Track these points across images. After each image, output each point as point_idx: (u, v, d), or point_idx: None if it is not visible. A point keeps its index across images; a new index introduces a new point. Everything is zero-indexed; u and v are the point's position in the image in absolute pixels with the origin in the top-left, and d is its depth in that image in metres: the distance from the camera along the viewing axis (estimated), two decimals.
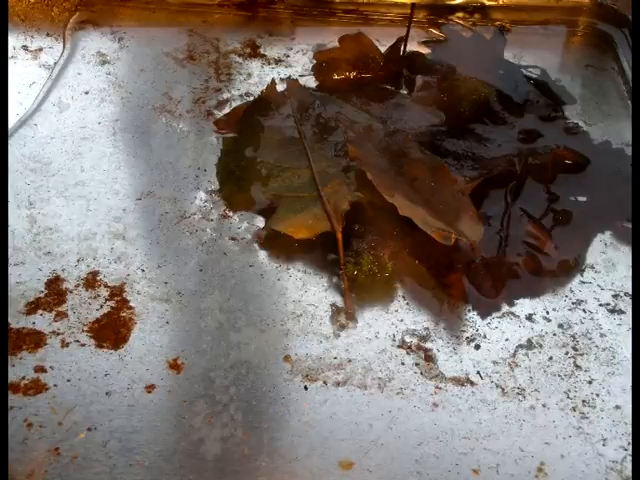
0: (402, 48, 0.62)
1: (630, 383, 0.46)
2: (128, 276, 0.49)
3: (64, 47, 0.65)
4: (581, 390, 0.45)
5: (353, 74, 0.63)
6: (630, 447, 0.43)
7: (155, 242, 0.52)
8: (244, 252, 0.51)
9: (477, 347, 0.47)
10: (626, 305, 0.50)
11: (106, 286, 0.49)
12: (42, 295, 0.48)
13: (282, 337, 0.47)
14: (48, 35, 0.68)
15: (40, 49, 0.66)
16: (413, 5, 0.61)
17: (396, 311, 0.49)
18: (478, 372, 0.46)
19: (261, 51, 0.68)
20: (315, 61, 0.65)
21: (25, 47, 0.67)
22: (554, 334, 0.48)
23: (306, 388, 0.44)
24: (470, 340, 0.47)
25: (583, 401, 0.45)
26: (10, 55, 0.65)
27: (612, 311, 0.50)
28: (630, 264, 0.52)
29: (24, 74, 0.64)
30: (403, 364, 0.46)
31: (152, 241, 0.52)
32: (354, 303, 0.48)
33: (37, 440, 0.41)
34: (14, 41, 0.66)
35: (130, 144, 0.59)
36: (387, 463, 0.42)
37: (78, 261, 0.50)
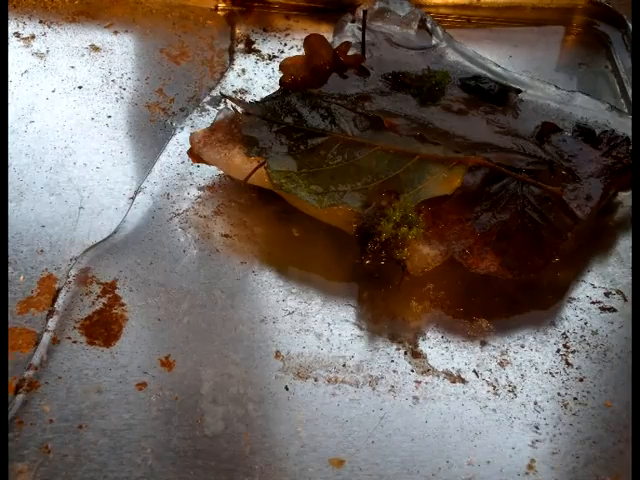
0: (362, 51, 0.61)
1: (621, 381, 0.46)
2: (120, 273, 0.49)
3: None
4: (572, 388, 0.46)
5: (319, 78, 0.57)
6: (620, 444, 0.43)
7: (147, 239, 0.51)
8: (236, 249, 0.51)
9: (469, 344, 0.47)
10: (618, 303, 0.50)
11: (98, 283, 0.49)
12: (34, 292, 0.48)
13: (273, 334, 0.47)
14: (41, 22, 0.67)
15: (32, 36, 0.66)
16: (365, 12, 0.61)
17: (388, 308, 0.49)
18: (474, 370, 0.46)
19: (255, 47, 0.68)
20: (282, 72, 0.58)
21: (17, 34, 0.66)
22: (545, 331, 0.48)
23: (287, 388, 0.44)
24: (461, 338, 0.48)
25: (574, 398, 0.45)
26: None
27: (604, 309, 0.50)
28: (622, 261, 0.52)
29: (16, 62, 0.63)
30: (394, 362, 0.46)
31: (144, 237, 0.52)
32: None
33: (27, 438, 0.41)
34: None
35: (123, 140, 0.58)
36: (378, 461, 0.42)
37: (70, 259, 0.50)
